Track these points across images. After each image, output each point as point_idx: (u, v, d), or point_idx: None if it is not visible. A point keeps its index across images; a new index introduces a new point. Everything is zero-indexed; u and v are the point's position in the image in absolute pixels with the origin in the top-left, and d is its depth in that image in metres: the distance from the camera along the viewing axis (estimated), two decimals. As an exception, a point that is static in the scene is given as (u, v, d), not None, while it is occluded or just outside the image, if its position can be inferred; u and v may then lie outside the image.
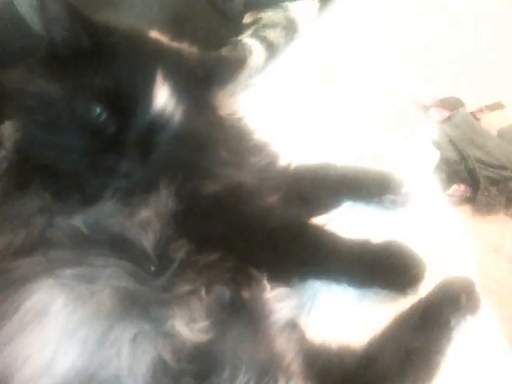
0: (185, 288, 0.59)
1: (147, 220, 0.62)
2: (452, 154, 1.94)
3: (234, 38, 1.13)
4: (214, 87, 0.72)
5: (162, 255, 0.61)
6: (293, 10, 1.21)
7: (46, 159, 0.64)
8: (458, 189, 1.90)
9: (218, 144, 0.72)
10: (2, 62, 0.69)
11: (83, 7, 0.63)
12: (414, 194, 0.81)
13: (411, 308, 0.67)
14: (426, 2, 2.52)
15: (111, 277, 0.57)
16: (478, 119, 2.10)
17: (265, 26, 1.17)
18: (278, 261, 0.66)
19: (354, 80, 1.11)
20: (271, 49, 1.13)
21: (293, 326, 0.64)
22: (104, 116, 0.61)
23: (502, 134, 2.07)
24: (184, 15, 1.02)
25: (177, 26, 0.78)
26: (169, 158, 0.65)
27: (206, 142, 0.70)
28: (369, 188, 0.81)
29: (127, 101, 0.62)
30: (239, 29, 1.18)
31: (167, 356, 0.53)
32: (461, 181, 1.91)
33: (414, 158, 0.95)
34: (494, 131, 2.07)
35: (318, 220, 0.78)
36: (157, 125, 0.64)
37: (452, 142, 1.97)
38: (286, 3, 1.23)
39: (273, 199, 0.74)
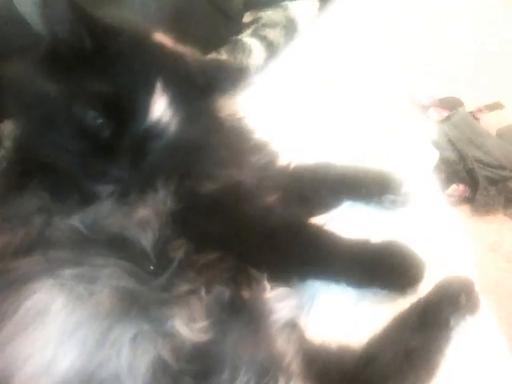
0: (184, 288, 0.59)
1: (146, 219, 0.62)
2: (451, 154, 1.94)
3: (234, 37, 1.13)
4: (214, 95, 0.72)
5: (161, 255, 0.61)
6: (293, 9, 1.22)
7: (43, 157, 0.64)
8: (457, 189, 1.90)
9: (217, 147, 0.72)
10: (1, 61, 0.69)
11: (84, 3, 0.62)
12: (414, 194, 0.81)
13: (410, 308, 0.67)
14: (425, 2, 2.52)
15: (111, 277, 0.56)
16: (477, 119, 2.10)
17: (264, 26, 1.17)
18: (278, 261, 0.66)
19: (354, 80, 1.11)
20: (271, 48, 1.14)
21: (292, 325, 0.63)
22: (99, 120, 0.62)
23: (500, 134, 2.07)
24: (184, 14, 1.02)
25: (176, 24, 0.78)
26: (163, 162, 0.65)
27: (202, 148, 0.69)
28: (368, 188, 0.81)
29: (124, 108, 0.62)
30: (239, 28, 1.18)
31: (167, 356, 0.53)
32: (460, 181, 1.91)
33: (413, 158, 0.95)
34: (493, 131, 2.07)
35: (317, 220, 0.78)
36: (151, 134, 0.64)
37: (451, 142, 1.97)
38: (286, 2, 1.23)
39: (272, 199, 0.74)
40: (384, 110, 1.04)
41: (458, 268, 0.75)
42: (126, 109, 0.62)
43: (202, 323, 0.56)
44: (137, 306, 0.56)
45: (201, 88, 0.69)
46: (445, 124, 2.04)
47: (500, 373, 0.66)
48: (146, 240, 0.61)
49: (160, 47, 0.70)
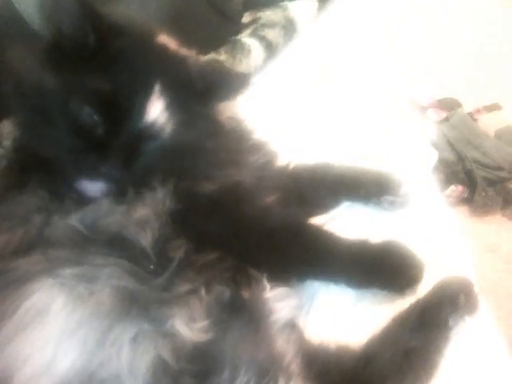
0: (184, 287, 0.59)
1: (145, 219, 0.62)
2: (450, 155, 1.95)
3: (233, 38, 1.13)
4: (213, 100, 0.72)
5: (160, 254, 0.61)
6: (292, 9, 1.22)
7: (40, 153, 0.65)
8: (456, 189, 1.90)
9: (216, 149, 0.72)
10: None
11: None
12: (412, 195, 0.82)
13: (409, 308, 0.67)
14: (424, 2, 2.53)
15: (111, 276, 0.56)
16: (475, 120, 2.10)
17: (264, 26, 1.17)
18: (277, 261, 0.66)
19: (353, 80, 1.11)
20: (270, 48, 1.14)
21: (292, 326, 0.64)
22: (95, 117, 0.62)
23: (499, 135, 2.07)
24: (183, 14, 1.02)
25: (175, 25, 0.77)
26: (157, 164, 0.65)
27: (199, 150, 0.69)
28: (367, 188, 0.81)
29: (120, 107, 0.62)
30: (238, 28, 1.18)
31: (167, 356, 0.53)
32: (458, 181, 1.91)
33: (411, 159, 0.95)
34: (491, 132, 2.07)
35: (316, 220, 0.78)
36: (146, 135, 0.64)
37: (449, 143, 1.97)
38: (285, 3, 1.23)
39: (271, 199, 0.74)
40: (383, 110, 1.04)
41: (457, 269, 0.75)
42: (122, 108, 0.62)
43: (202, 323, 0.56)
44: (137, 305, 0.55)
45: (200, 92, 0.69)
46: (443, 125, 2.05)
47: (499, 373, 0.66)
48: (146, 239, 0.61)
49: (163, 49, 0.70)
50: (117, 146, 0.62)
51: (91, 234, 0.61)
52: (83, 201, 0.63)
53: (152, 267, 0.60)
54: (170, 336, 0.54)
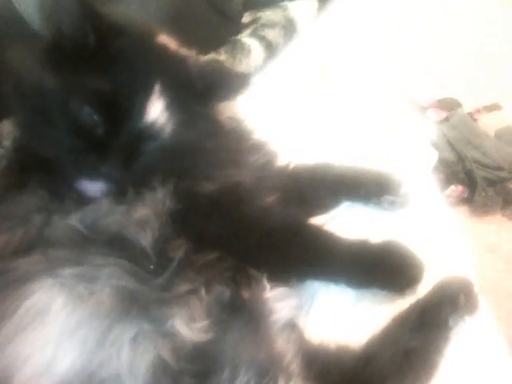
0: (184, 287, 0.59)
1: (145, 219, 0.62)
2: (450, 155, 1.95)
3: (233, 38, 1.13)
4: (213, 100, 0.72)
5: (160, 254, 0.61)
6: (292, 9, 1.22)
7: (40, 152, 0.65)
8: (456, 189, 1.90)
9: (216, 150, 0.72)
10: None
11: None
12: (412, 195, 0.82)
13: (409, 308, 0.67)
14: (423, 2, 2.53)
15: (111, 276, 0.56)
16: (475, 120, 2.10)
17: (264, 26, 1.17)
18: (277, 261, 0.66)
19: (353, 80, 1.11)
20: (270, 48, 1.14)
21: (292, 326, 0.64)
22: (95, 117, 0.62)
23: (499, 135, 2.07)
24: (183, 14, 1.02)
25: (175, 25, 0.77)
26: (157, 164, 0.65)
27: (199, 150, 0.70)
28: (367, 188, 0.81)
29: (120, 107, 0.62)
30: (238, 28, 1.18)
31: (167, 356, 0.53)
32: (458, 181, 1.91)
33: (412, 159, 0.95)
34: (491, 132, 2.07)
35: (316, 220, 0.78)
36: (145, 135, 0.64)
37: (449, 143, 1.97)
38: (285, 3, 1.23)
39: (271, 199, 0.74)
40: (383, 110, 1.04)
41: (457, 269, 0.75)
42: (121, 108, 0.62)
43: (202, 323, 0.56)
44: (137, 305, 0.55)
45: (200, 92, 0.69)
46: (443, 125, 2.05)
47: (498, 373, 0.66)
48: (146, 239, 0.61)
49: (163, 50, 0.70)
50: (117, 146, 0.62)
51: (91, 234, 0.61)
52: (83, 201, 0.63)
53: (152, 267, 0.60)
54: (170, 336, 0.54)
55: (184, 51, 0.73)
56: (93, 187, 0.64)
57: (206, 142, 0.70)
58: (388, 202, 0.80)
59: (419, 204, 0.83)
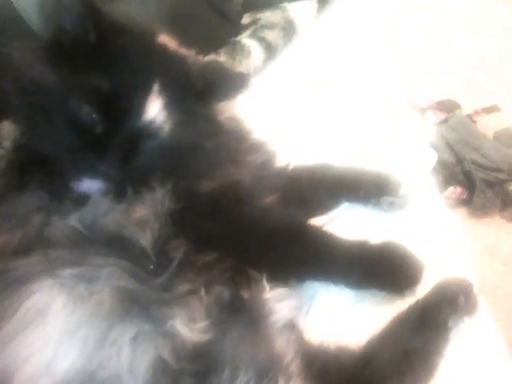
0: (184, 288, 0.59)
1: (145, 219, 0.62)
2: (448, 157, 1.95)
3: (233, 39, 1.13)
4: (212, 100, 0.72)
5: (160, 254, 0.61)
6: (291, 10, 1.22)
7: (39, 150, 0.65)
8: (455, 191, 1.90)
9: (215, 149, 0.72)
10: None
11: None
12: (411, 196, 0.82)
13: (409, 309, 0.67)
14: (423, 3, 2.53)
15: (110, 276, 0.56)
16: (474, 122, 2.11)
17: (263, 27, 1.17)
18: (276, 261, 0.66)
19: (352, 81, 1.11)
20: (269, 49, 1.14)
21: (292, 326, 0.64)
22: (94, 116, 0.62)
23: (497, 137, 2.07)
24: (182, 15, 1.02)
25: (175, 26, 0.77)
26: (155, 163, 0.65)
27: (198, 150, 0.70)
28: (367, 189, 0.81)
29: (119, 106, 0.62)
30: (238, 29, 1.18)
31: (167, 356, 0.53)
32: (457, 183, 1.91)
33: (411, 160, 0.95)
34: (490, 134, 2.07)
35: (316, 221, 0.78)
36: (144, 134, 0.64)
37: (448, 145, 1.98)
38: (285, 4, 1.23)
39: (271, 199, 0.74)
40: (382, 111, 1.04)
41: (456, 270, 0.75)
42: (120, 107, 0.62)
43: (202, 323, 0.56)
44: (137, 305, 0.56)
45: (199, 92, 0.69)
46: (442, 126, 2.05)
47: (498, 374, 0.66)
48: (145, 239, 0.61)
49: (162, 49, 0.70)
50: (115, 145, 0.62)
51: (91, 234, 0.61)
52: (83, 201, 0.63)
53: (152, 267, 0.60)
54: (170, 336, 0.54)
55: (184, 51, 0.74)
56: (91, 185, 0.64)
57: (204, 141, 0.70)
58: (387, 203, 0.80)
59: (418, 205, 0.83)
